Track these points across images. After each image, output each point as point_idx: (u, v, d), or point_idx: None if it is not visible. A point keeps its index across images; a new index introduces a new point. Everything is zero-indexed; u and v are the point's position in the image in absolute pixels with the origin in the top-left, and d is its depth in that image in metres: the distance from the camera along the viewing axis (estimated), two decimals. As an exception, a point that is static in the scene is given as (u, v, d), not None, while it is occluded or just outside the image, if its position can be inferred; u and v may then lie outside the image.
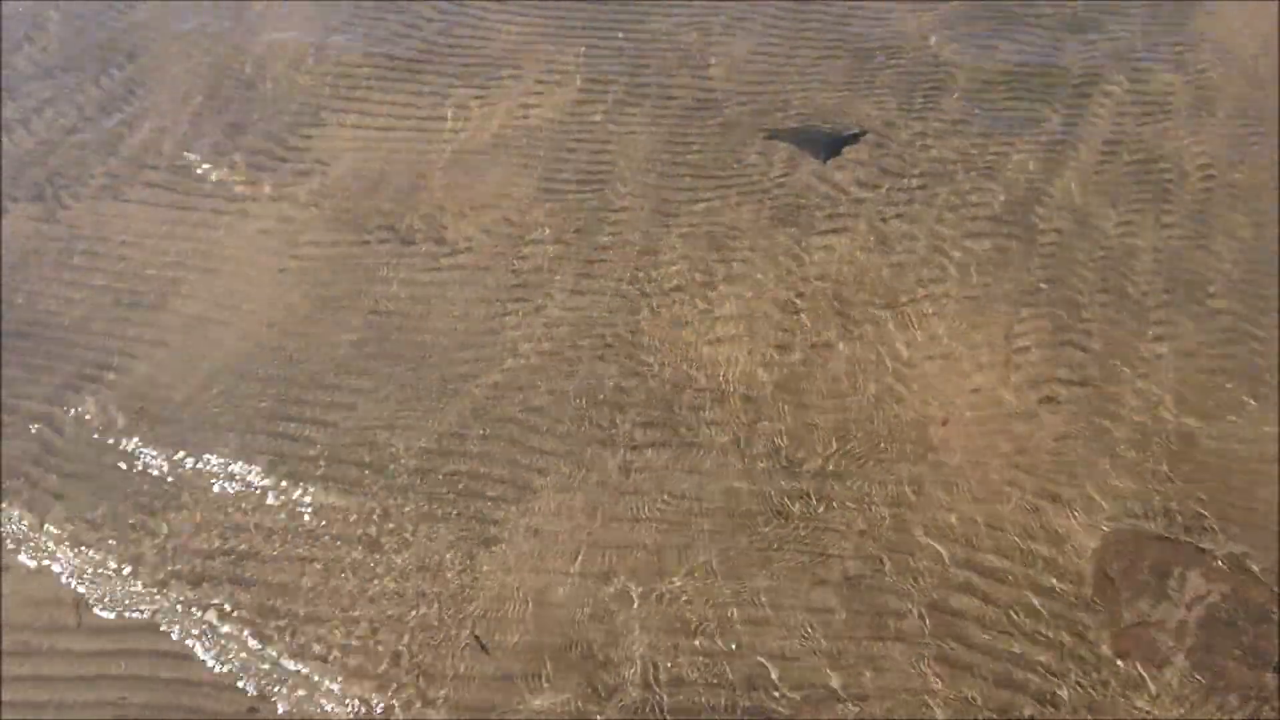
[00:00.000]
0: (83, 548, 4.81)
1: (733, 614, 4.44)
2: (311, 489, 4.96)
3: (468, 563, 4.66)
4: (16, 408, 5.39)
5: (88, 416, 5.34)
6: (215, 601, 4.58)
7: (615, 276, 5.91)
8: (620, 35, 7.69)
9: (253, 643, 4.44)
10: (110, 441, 5.22)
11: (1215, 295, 5.64)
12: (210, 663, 4.40)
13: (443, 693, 4.27)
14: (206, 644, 4.45)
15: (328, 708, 4.25)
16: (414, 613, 4.51)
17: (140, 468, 5.11)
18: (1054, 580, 4.50)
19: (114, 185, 6.65)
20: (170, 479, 5.05)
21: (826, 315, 5.62)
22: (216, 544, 4.79)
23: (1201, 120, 6.77)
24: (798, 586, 4.52)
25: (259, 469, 5.05)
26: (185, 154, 6.86)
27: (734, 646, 4.35)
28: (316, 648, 4.42)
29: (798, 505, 4.80)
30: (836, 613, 4.43)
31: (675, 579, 4.57)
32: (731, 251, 6.00)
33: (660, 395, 5.29)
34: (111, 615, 4.58)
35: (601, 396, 5.29)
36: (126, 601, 4.61)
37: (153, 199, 6.55)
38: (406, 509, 4.87)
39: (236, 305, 5.86)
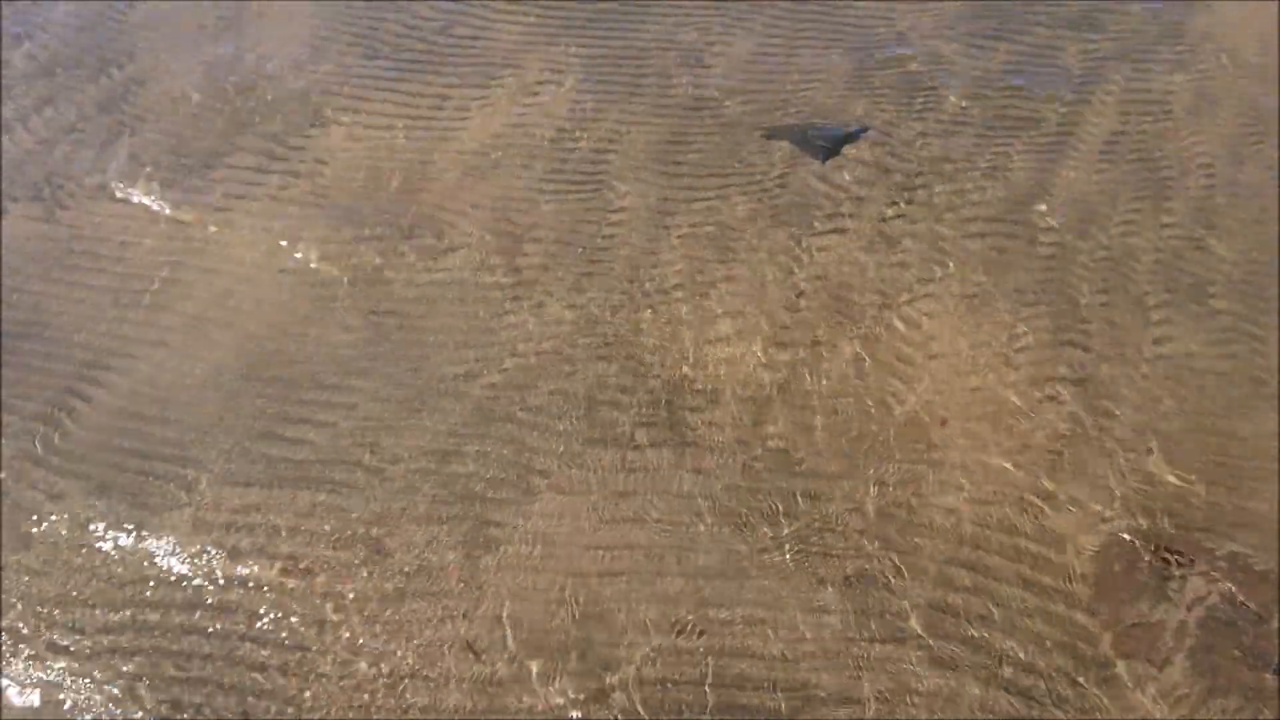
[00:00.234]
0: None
1: (733, 614, 4.44)
2: (311, 489, 4.96)
3: (467, 564, 4.66)
4: (16, 408, 5.39)
5: (88, 417, 5.33)
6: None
7: (615, 276, 5.91)
8: (620, 34, 7.68)
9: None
10: (110, 441, 5.22)
11: (1216, 295, 5.64)
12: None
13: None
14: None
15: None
16: (412, 612, 4.51)
17: (140, 468, 5.10)
18: (1054, 581, 4.50)
19: (113, 185, 6.64)
20: (169, 479, 5.05)
21: (827, 315, 5.62)
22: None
23: (1202, 120, 6.77)
24: (797, 586, 4.52)
25: (259, 469, 5.05)
26: (185, 153, 6.85)
27: (733, 646, 4.34)
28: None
29: (797, 504, 4.80)
30: (836, 613, 4.43)
31: (676, 579, 4.56)
32: (731, 251, 6.00)
33: (660, 395, 5.28)
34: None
35: (601, 396, 5.29)
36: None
37: (153, 199, 6.55)
38: (406, 510, 4.87)
39: (236, 305, 5.86)
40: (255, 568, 4.67)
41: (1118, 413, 5.11)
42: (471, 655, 4.37)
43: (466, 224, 6.26)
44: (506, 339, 5.60)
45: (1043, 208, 6.17)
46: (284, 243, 6.20)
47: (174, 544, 4.78)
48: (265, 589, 4.60)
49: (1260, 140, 6.58)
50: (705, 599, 4.50)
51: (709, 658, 4.32)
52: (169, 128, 7.07)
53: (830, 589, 4.50)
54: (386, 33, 7.81)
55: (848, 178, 6.43)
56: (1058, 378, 5.27)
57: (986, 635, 4.33)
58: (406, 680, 4.30)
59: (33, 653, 4.46)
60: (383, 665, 4.34)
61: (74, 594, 4.64)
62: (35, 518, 4.92)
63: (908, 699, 4.17)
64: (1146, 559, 4.53)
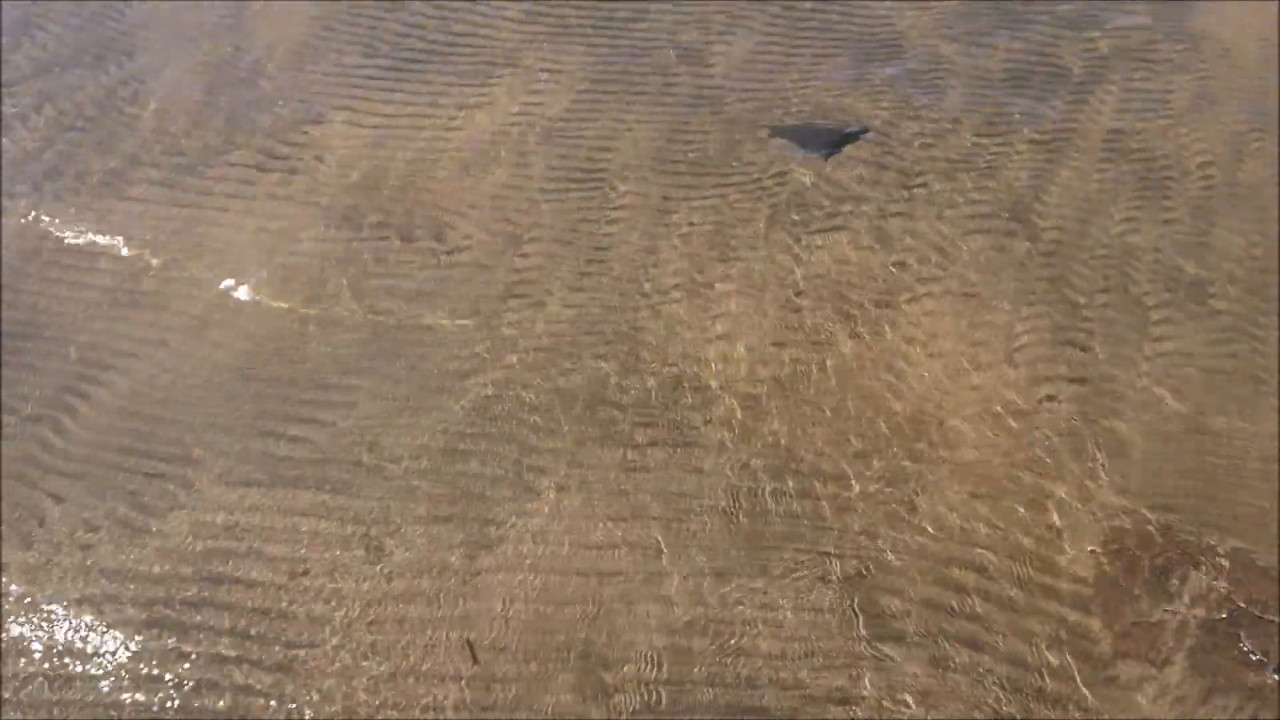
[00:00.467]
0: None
1: (732, 613, 4.43)
2: (310, 490, 4.96)
3: (468, 563, 4.65)
4: (17, 408, 5.38)
5: (88, 416, 5.33)
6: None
7: (615, 274, 5.90)
8: (620, 33, 7.67)
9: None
10: (109, 441, 5.22)
11: (1216, 294, 5.63)
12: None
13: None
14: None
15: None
16: (412, 611, 4.51)
17: (139, 467, 5.10)
18: (1054, 579, 4.49)
19: (113, 183, 6.64)
20: (169, 478, 5.05)
21: (826, 313, 5.62)
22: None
23: (1202, 118, 6.76)
24: (797, 585, 4.51)
25: (258, 469, 5.05)
26: (184, 152, 6.85)
27: (732, 645, 4.34)
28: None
29: (797, 503, 4.79)
30: (835, 612, 4.42)
31: (675, 578, 4.56)
32: (731, 249, 6.00)
33: (660, 393, 5.28)
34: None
35: (601, 395, 5.28)
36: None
37: (151, 196, 6.55)
38: (406, 509, 4.86)
39: (236, 304, 5.85)
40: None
41: (1118, 411, 5.10)
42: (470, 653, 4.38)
43: (466, 222, 6.26)
44: (507, 337, 5.59)
45: (1043, 206, 6.17)
46: (284, 240, 6.19)
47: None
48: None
49: (1260, 138, 6.58)
50: (705, 597, 4.49)
51: (707, 657, 4.31)
52: (168, 125, 7.07)
53: (829, 588, 4.49)
54: (386, 30, 7.80)
55: (847, 177, 6.43)
56: (1058, 376, 5.26)
57: (986, 635, 4.32)
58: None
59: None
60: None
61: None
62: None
63: (908, 699, 4.16)
64: (1146, 559, 4.53)
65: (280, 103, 7.19)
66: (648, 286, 5.82)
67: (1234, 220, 6.05)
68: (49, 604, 4.61)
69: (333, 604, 4.54)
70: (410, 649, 4.38)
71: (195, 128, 7.04)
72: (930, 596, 4.45)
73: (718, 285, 5.80)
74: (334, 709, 4.22)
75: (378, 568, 4.65)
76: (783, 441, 5.04)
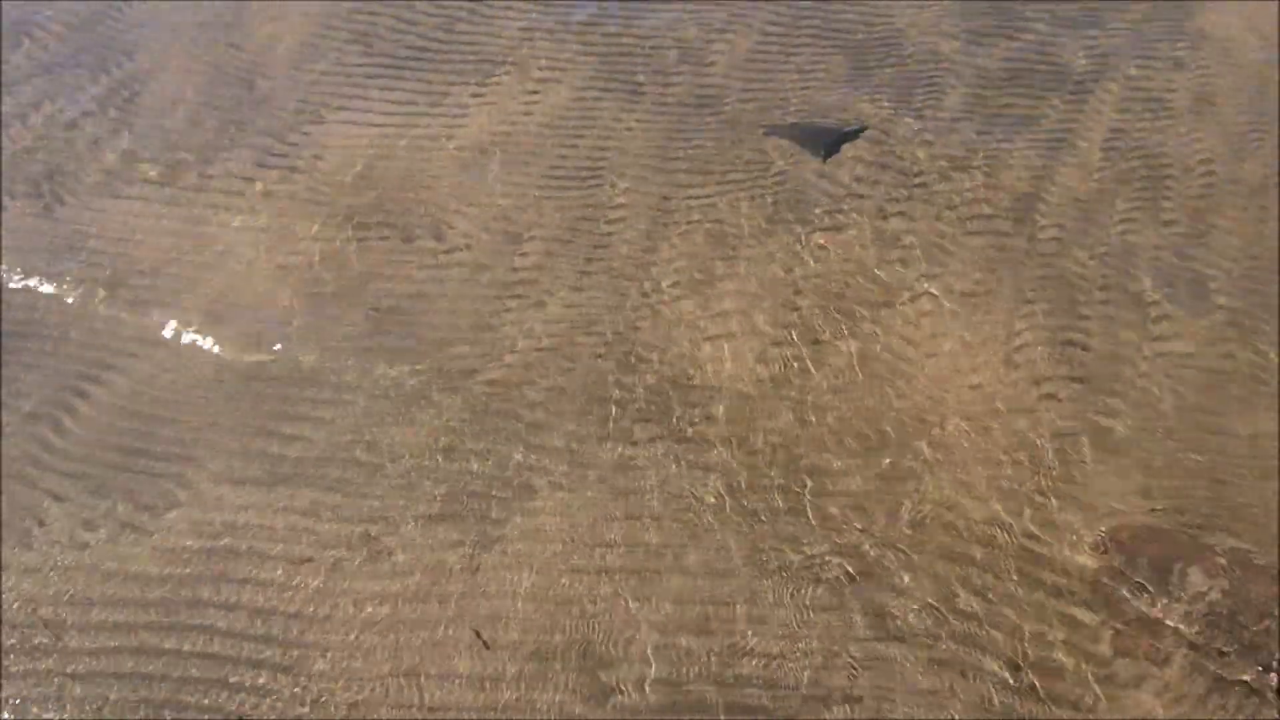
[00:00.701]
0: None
1: (732, 612, 4.43)
2: (309, 489, 4.96)
3: (468, 561, 4.65)
4: (16, 407, 5.38)
5: (87, 415, 5.32)
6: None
7: (614, 273, 5.90)
8: (619, 31, 7.67)
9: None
10: (108, 440, 5.21)
11: (1215, 292, 5.63)
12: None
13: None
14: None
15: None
16: (415, 610, 4.50)
17: (138, 466, 5.10)
18: (1054, 577, 4.49)
19: (112, 182, 6.64)
20: (167, 477, 5.05)
21: (825, 312, 5.61)
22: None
23: (1202, 118, 6.76)
24: (797, 584, 4.50)
25: (258, 468, 5.05)
26: (183, 151, 6.84)
27: (730, 645, 4.33)
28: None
29: (796, 501, 4.79)
30: (833, 610, 4.41)
31: (674, 576, 4.55)
32: (730, 248, 5.99)
33: (659, 392, 5.27)
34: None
35: (600, 393, 5.28)
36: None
37: (151, 195, 6.54)
38: (405, 507, 4.86)
39: (235, 302, 5.85)
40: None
41: (1117, 409, 5.10)
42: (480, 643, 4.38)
43: (465, 221, 6.26)
44: (506, 335, 5.59)
45: (1042, 205, 6.17)
46: (283, 239, 6.19)
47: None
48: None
49: (1260, 137, 6.57)
50: (704, 596, 4.49)
51: (706, 656, 4.31)
52: (167, 124, 7.06)
53: (829, 586, 4.49)
54: (385, 29, 7.80)
55: (847, 175, 6.42)
56: (1057, 375, 5.26)
57: (987, 633, 4.32)
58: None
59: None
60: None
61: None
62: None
63: (907, 698, 4.16)
64: (1145, 558, 4.53)
65: (280, 102, 7.19)
66: (647, 285, 5.82)
67: (1234, 219, 6.05)
68: (48, 603, 4.62)
69: (333, 602, 4.53)
70: (410, 647, 4.38)
71: (195, 127, 7.03)
72: (929, 595, 4.45)
73: (717, 284, 5.79)
74: (334, 708, 4.21)
75: (377, 566, 4.64)
76: (782, 440, 5.04)
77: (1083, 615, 4.37)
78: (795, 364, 5.37)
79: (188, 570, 4.67)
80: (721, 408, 5.19)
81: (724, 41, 7.56)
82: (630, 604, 4.47)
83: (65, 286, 5.99)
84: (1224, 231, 5.98)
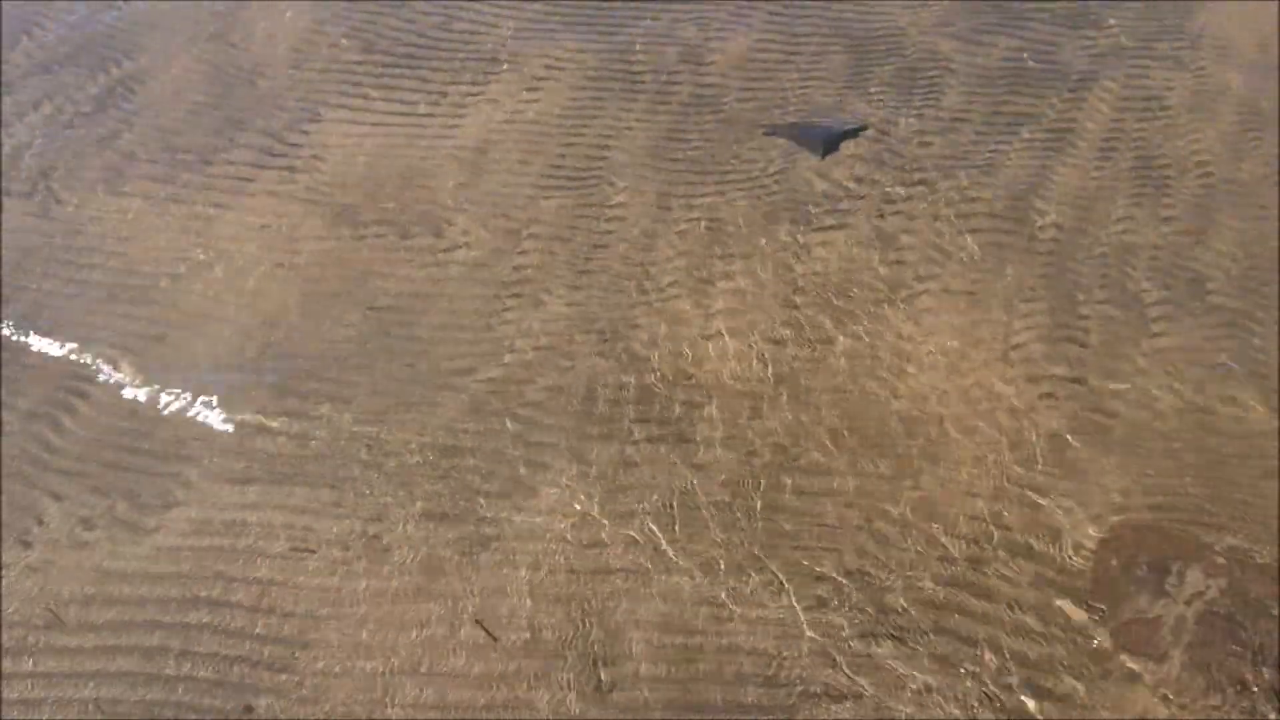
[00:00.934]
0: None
1: (731, 611, 4.43)
2: (308, 486, 4.96)
3: (466, 559, 4.65)
4: (15, 406, 5.37)
5: (86, 414, 5.32)
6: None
7: (613, 272, 5.90)
8: (618, 30, 7.67)
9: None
10: (107, 439, 5.21)
11: (1214, 291, 5.63)
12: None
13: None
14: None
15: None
16: (416, 610, 4.50)
17: (137, 465, 5.10)
18: (1053, 575, 4.49)
19: (111, 180, 6.64)
20: (166, 475, 5.04)
21: (824, 311, 5.61)
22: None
23: (1201, 117, 6.76)
24: (796, 582, 4.51)
25: (257, 466, 5.05)
26: (182, 149, 6.84)
27: (730, 643, 4.33)
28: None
29: (796, 501, 4.79)
30: (832, 609, 4.42)
31: (672, 575, 4.56)
32: (729, 247, 6.00)
33: (658, 390, 5.27)
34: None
35: (599, 392, 5.28)
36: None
37: (150, 194, 6.54)
38: (404, 505, 4.86)
39: (234, 301, 5.85)
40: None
41: (1116, 408, 5.10)
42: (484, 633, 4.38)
43: (464, 220, 6.26)
44: (505, 334, 5.59)
45: (1041, 204, 6.17)
46: (282, 238, 6.19)
47: (171, 539, 4.77)
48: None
49: (1258, 137, 6.58)
50: (703, 595, 4.49)
51: (706, 655, 4.31)
52: (166, 123, 7.06)
53: (828, 585, 4.49)
54: (384, 27, 7.80)
55: (845, 174, 6.43)
56: (1055, 374, 5.26)
57: (986, 632, 4.32)
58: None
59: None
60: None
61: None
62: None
63: (908, 696, 4.16)
64: (1144, 556, 4.53)
65: (279, 101, 7.19)
66: (646, 284, 5.82)
67: (1232, 217, 6.06)
68: (48, 602, 4.62)
69: (332, 601, 4.53)
70: (409, 646, 4.38)
71: (194, 126, 7.03)
72: (929, 593, 4.45)
73: (716, 283, 5.80)
74: (333, 706, 4.21)
75: (376, 564, 4.64)
76: (780, 439, 5.04)
77: (1081, 614, 4.37)
78: (794, 362, 5.37)
79: (187, 568, 4.67)
80: (720, 407, 5.19)
81: (723, 40, 7.56)
82: (629, 601, 4.47)
83: (64, 285, 5.99)
84: (1222, 230, 5.98)
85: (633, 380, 5.33)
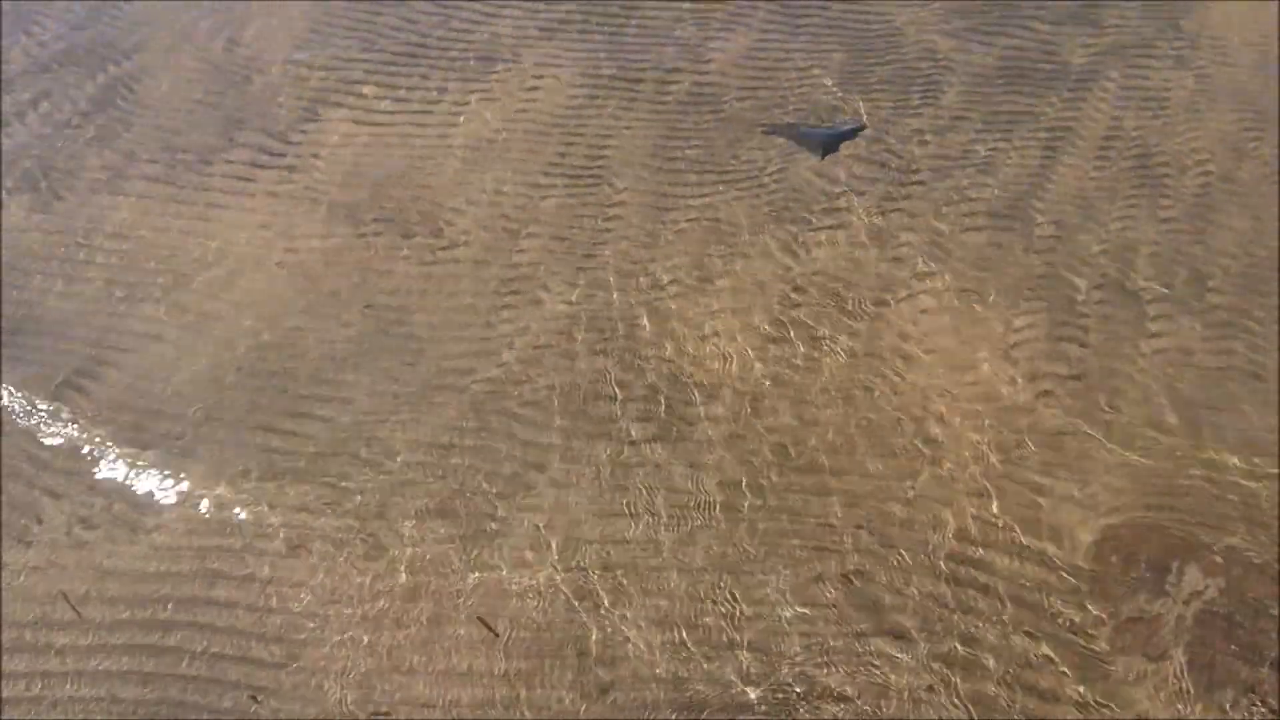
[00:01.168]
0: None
1: (729, 610, 4.43)
2: (307, 484, 4.95)
3: (466, 557, 4.64)
4: (14, 404, 5.37)
5: (84, 411, 5.32)
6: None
7: (612, 271, 5.89)
8: (617, 29, 7.67)
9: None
10: (105, 436, 5.21)
11: (1213, 290, 5.63)
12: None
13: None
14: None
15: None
16: (412, 606, 4.50)
17: (135, 463, 5.09)
18: (1052, 574, 4.49)
19: (110, 179, 6.63)
20: (164, 474, 5.04)
21: (824, 310, 5.61)
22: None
23: (1200, 115, 6.76)
24: (796, 582, 4.50)
25: (256, 464, 5.05)
26: (182, 148, 6.84)
27: (729, 641, 4.33)
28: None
29: (795, 500, 4.79)
30: (832, 607, 4.41)
31: (671, 574, 4.55)
32: (728, 246, 5.99)
33: (657, 389, 5.27)
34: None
35: (598, 390, 5.28)
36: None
37: (149, 193, 6.54)
38: (404, 504, 4.86)
39: (233, 299, 5.85)
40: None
41: (1115, 406, 5.10)
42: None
43: (464, 219, 6.25)
44: (504, 333, 5.59)
45: (1040, 203, 6.16)
46: (281, 237, 6.19)
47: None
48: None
49: (1258, 136, 6.57)
50: (702, 594, 4.49)
51: (705, 654, 4.31)
52: (165, 123, 7.06)
53: (827, 585, 4.49)
54: (383, 26, 7.79)
55: (844, 174, 6.42)
56: (1055, 373, 5.25)
57: (985, 631, 4.32)
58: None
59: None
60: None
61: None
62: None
63: (908, 695, 4.16)
64: (1143, 555, 4.53)
65: (277, 99, 7.18)
66: (645, 282, 5.81)
67: (1231, 216, 6.05)
68: (47, 601, 4.61)
69: (331, 599, 4.53)
70: (408, 644, 4.38)
71: (193, 125, 7.02)
72: (928, 592, 4.45)
73: (715, 282, 5.79)
74: (333, 706, 4.21)
75: (375, 562, 4.64)
76: (779, 438, 5.04)
77: (1080, 613, 4.37)
78: (793, 361, 5.37)
79: (185, 567, 4.66)
80: (719, 406, 5.19)
81: (722, 39, 7.55)
82: (628, 600, 4.47)
83: (63, 283, 5.98)
84: (1221, 229, 5.98)
85: (632, 379, 5.33)
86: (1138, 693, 4.14)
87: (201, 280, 5.96)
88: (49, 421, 5.30)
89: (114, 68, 7.56)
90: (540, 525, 4.75)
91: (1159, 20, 7.58)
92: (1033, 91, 6.97)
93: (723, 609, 4.43)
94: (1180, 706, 4.10)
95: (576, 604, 4.47)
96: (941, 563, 4.54)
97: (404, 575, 4.60)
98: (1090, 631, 4.31)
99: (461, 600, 4.50)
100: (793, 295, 5.69)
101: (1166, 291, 5.64)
